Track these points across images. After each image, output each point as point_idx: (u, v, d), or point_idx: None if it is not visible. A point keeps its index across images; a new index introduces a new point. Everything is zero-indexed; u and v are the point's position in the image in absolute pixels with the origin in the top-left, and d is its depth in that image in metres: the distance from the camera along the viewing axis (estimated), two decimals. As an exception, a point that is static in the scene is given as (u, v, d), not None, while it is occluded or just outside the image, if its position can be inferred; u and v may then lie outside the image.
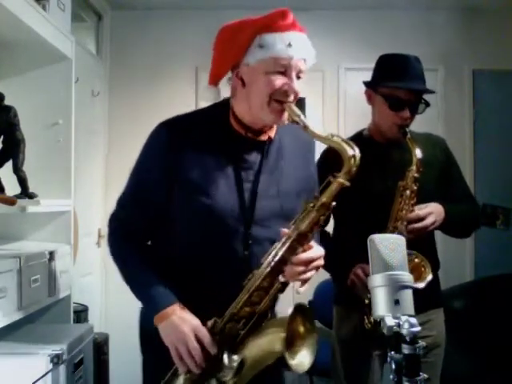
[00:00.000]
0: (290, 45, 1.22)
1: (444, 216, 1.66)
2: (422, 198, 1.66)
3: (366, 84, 1.79)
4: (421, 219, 1.62)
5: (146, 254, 1.35)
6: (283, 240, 1.20)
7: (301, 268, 1.20)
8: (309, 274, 1.22)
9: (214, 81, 1.36)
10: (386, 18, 3.53)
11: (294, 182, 1.36)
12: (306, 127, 1.23)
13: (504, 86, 3.62)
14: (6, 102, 1.84)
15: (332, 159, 1.82)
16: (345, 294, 1.75)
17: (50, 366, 1.58)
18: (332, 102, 3.59)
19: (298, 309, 1.17)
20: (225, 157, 1.30)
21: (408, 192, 1.63)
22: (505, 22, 3.53)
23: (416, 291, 1.52)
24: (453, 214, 1.69)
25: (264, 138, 1.35)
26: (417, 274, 1.59)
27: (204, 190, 1.27)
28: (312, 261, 1.21)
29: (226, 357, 1.18)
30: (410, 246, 1.60)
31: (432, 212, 1.63)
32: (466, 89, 3.58)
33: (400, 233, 1.61)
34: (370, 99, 1.79)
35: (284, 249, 1.20)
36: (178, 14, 3.53)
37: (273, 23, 1.24)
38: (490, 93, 3.60)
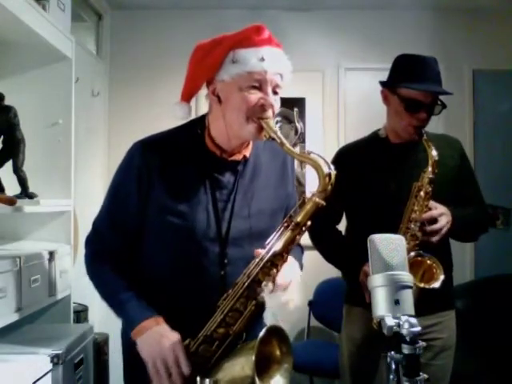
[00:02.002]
0: (263, 59, 1.21)
1: (452, 220, 1.64)
2: (435, 198, 1.65)
3: (383, 84, 1.79)
4: (434, 220, 1.61)
5: (122, 273, 1.32)
6: (257, 260, 1.19)
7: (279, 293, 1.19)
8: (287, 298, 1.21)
9: (187, 98, 1.35)
10: (386, 18, 3.53)
11: (269, 201, 1.34)
12: (282, 144, 1.21)
13: (504, 85, 3.62)
14: (6, 101, 1.84)
15: (345, 161, 1.84)
16: (355, 293, 1.73)
17: (50, 366, 1.58)
18: (332, 102, 3.59)
19: (272, 331, 1.14)
20: (199, 177, 1.29)
21: (422, 193, 1.63)
22: (505, 22, 3.53)
23: (428, 293, 1.53)
24: (460, 218, 1.67)
25: (239, 157, 1.33)
26: (429, 275, 1.59)
27: (178, 210, 1.26)
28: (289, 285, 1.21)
29: (198, 380, 1.15)
30: (425, 246, 1.60)
31: (444, 213, 1.62)
32: (466, 89, 3.58)
33: (413, 235, 1.61)
34: (385, 99, 1.78)
35: (257, 269, 1.18)
36: (178, 13, 3.53)
37: (247, 39, 1.23)
38: (490, 93, 3.60)
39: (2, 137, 1.84)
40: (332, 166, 1.19)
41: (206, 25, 3.56)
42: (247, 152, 1.35)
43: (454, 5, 3.46)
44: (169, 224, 1.26)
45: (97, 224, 1.37)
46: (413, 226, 1.62)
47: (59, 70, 2.17)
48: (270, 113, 1.23)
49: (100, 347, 2.48)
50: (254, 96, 1.22)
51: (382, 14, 3.53)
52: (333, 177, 1.17)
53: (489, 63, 3.54)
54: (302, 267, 1.37)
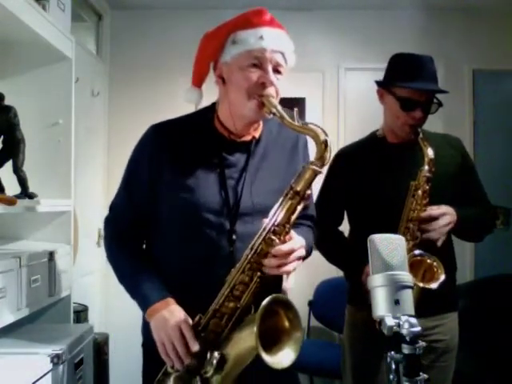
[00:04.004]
0: (261, 37, 1.24)
1: (457, 219, 1.63)
2: (437, 198, 1.64)
3: (379, 83, 1.78)
4: (434, 219, 1.60)
5: (139, 253, 1.37)
6: (260, 232, 1.19)
7: (280, 260, 1.17)
8: (290, 267, 1.19)
9: (197, 82, 1.40)
10: (386, 18, 3.53)
11: (279, 181, 1.34)
12: (282, 117, 1.22)
13: (504, 86, 3.62)
14: (6, 101, 1.84)
15: (343, 163, 1.84)
16: (357, 294, 1.71)
17: (50, 365, 1.58)
18: (332, 101, 3.60)
19: (277, 302, 1.14)
20: (208, 157, 1.33)
21: (420, 192, 1.62)
22: (505, 22, 3.53)
23: (432, 294, 1.52)
24: (466, 217, 1.65)
25: (247, 138, 1.36)
26: (430, 274, 1.58)
27: (186, 186, 1.29)
28: (292, 252, 1.18)
29: (208, 353, 1.17)
30: (428, 247, 1.59)
31: (446, 213, 1.61)
32: (466, 89, 3.58)
33: (414, 236, 1.60)
34: (381, 98, 1.78)
35: (260, 241, 1.18)
36: (178, 13, 3.53)
37: (247, 21, 1.28)
38: (490, 93, 3.60)
39: (2, 137, 1.84)
40: (328, 135, 1.20)
41: (206, 25, 3.55)
42: (256, 133, 1.38)
43: (453, 5, 3.46)
44: (178, 199, 1.29)
45: (114, 203, 1.42)
46: (412, 225, 1.61)
47: (59, 70, 2.17)
48: (271, 90, 1.25)
49: (100, 347, 2.48)
50: (255, 74, 1.25)
51: (382, 14, 3.54)
52: (329, 143, 1.18)
53: (489, 63, 3.54)
54: (310, 250, 1.37)
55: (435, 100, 1.70)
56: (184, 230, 1.31)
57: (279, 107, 1.23)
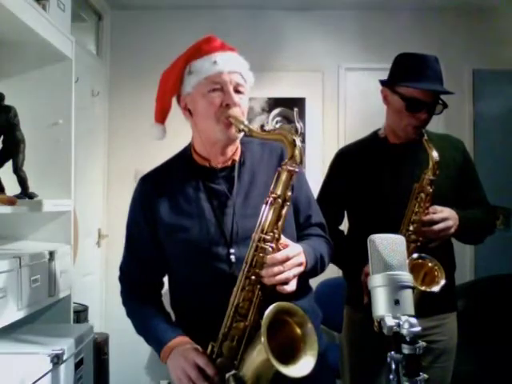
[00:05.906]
0: (215, 62, 1.28)
1: (458, 223, 1.62)
2: (437, 199, 1.63)
3: (383, 83, 1.77)
4: (435, 223, 1.59)
5: (151, 302, 1.40)
6: (250, 244, 1.19)
7: (276, 268, 1.16)
8: (288, 274, 1.17)
9: (159, 117, 1.41)
10: (386, 18, 3.53)
11: None
12: (250, 131, 1.24)
13: (504, 86, 3.62)
14: (6, 101, 1.84)
15: (345, 162, 1.83)
16: (355, 295, 1.72)
17: (50, 365, 1.58)
18: (332, 102, 3.60)
19: (281, 311, 1.12)
20: (196, 192, 1.35)
21: (423, 195, 1.61)
22: (505, 22, 3.53)
23: (430, 294, 1.51)
24: (467, 220, 1.65)
25: (228, 163, 1.38)
26: (430, 278, 1.58)
27: (183, 227, 1.31)
28: (287, 258, 1.17)
29: (227, 377, 1.15)
30: (428, 248, 1.59)
31: (448, 217, 1.60)
32: (466, 89, 3.58)
33: (415, 238, 1.60)
34: (385, 99, 1.76)
35: (252, 252, 1.18)
36: (178, 13, 3.54)
37: (198, 50, 1.32)
38: (490, 93, 3.61)
39: (2, 137, 1.84)
40: (296, 135, 1.21)
41: (206, 25, 3.57)
42: (236, 156, 1.39)
43: (453, 5, 3.46)
44: (178, 241, 1.32)
45: (122, 262, 1.46)
46: (413, 228, 1.60)
47: (59, 70, 2.17)
48: (236, 110, 1.28)
49: (100, 347, 2.48)
50: (217, 98, 1.28)
51: (382, 14, 3.54)
52: (297, 142, 1.20)
53: (489, 63, 3.54)
54: (322, 258, 1.35)
55: (440, 101, 1.68)
56: (188, 265, 1.33)
57: (246, 122, 1.25)
